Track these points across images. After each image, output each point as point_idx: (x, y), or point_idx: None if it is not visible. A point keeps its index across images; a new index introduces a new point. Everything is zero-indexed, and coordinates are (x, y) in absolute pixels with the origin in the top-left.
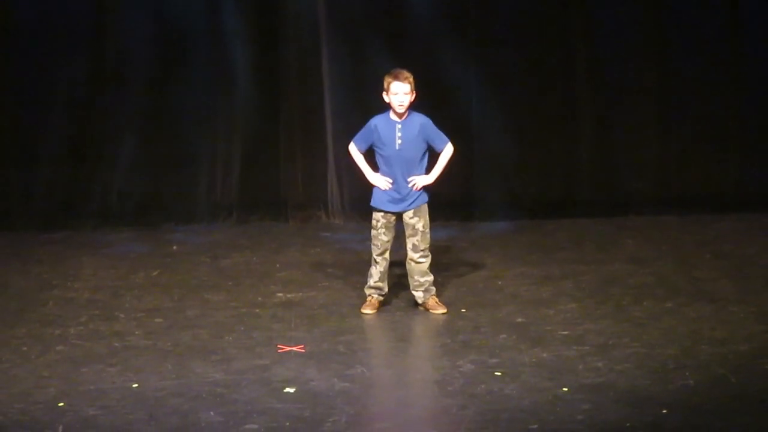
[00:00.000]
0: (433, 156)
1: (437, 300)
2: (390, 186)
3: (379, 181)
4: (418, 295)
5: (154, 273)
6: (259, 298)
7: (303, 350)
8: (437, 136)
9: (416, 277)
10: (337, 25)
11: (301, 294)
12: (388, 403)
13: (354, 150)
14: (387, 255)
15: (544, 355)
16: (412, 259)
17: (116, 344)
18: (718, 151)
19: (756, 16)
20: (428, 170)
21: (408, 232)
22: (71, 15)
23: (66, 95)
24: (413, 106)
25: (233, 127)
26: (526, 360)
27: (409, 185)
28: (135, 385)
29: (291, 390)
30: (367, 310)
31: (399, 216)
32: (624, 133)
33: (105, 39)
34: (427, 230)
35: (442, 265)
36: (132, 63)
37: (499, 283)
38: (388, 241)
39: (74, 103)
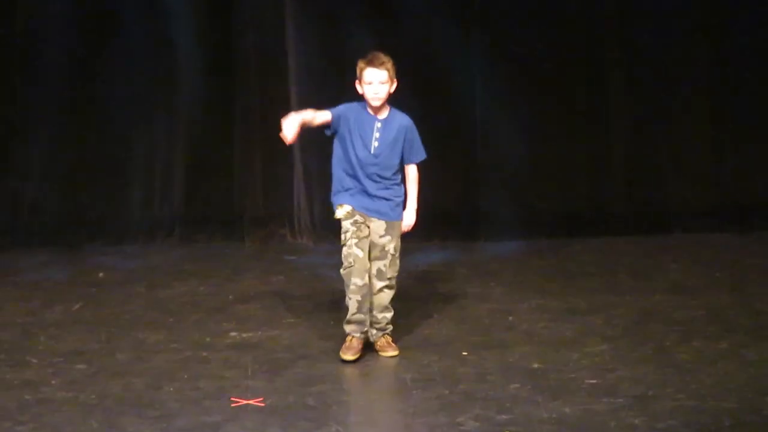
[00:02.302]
0: None
1: (390, 340)
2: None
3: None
4: (371, 332)
5: (76, 306)
6: (208, 339)
7: (262, 404)
8: (417, 146)
9: (375, 312)
10: (305, 0)
11: (260, 333)
12: None
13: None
14: (365, 278)
15: (567, 409)
16: (373, 288)
17: (27, 397)
18: None
19: None
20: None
21: (374, 253)
22: None
23: None
24: (396, 103)
25: (176, 126)
26: (544, 416)
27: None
28: None
29: None
30: (347, 356)
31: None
32: (666, 133)
33: (12, 15)
34: (398, 255)
35: (438, 295)
36: (47, 45)
37: (510, 318)
38: (363, 258)
39: None
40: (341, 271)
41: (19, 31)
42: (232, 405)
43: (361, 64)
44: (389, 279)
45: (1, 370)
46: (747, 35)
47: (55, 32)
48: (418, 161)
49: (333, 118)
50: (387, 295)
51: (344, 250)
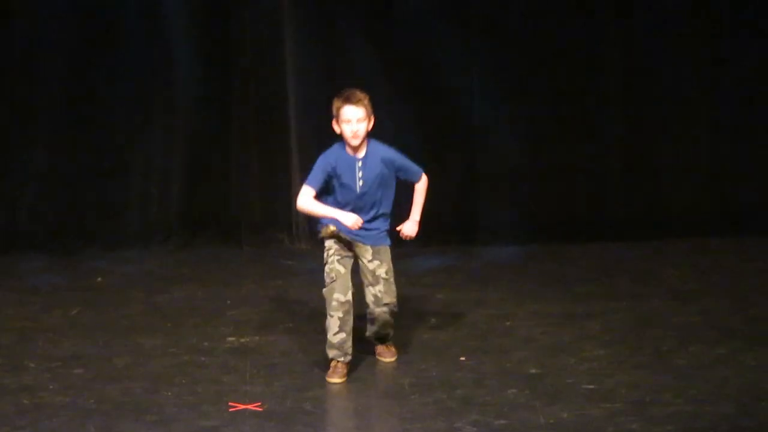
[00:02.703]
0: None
1: (389, 345)
2: (361, 224)
3: (348, 217)
4: (375, 341)
5: (74, 311)
6: (205, 344)
7: (260, 409)
8: (409, 167)
9: (376, 327)
10: (303, 3)
11: (257, 338)
12: None
13: (307, 198)
14: (348, 295)
15: (564, 414)
16: (372, 314)
17: (25, 401)
18: None
19: None
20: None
21: (367, 279)
22: None
23: None
24: (394, 108)
25: (174, 131)
26: (541, 421)
27: (400, 235)
28: None
29: None
30: (334, 379)
31: (355, 257)
32: (665, 137)
33: (10, 17)
34: (392, 279)
35: (435, 301)
36: (45, 47)
37: (508, 324)
38: (345, 274)
39: None
40: (323, 291)
41: (17, 34)
42: (230, 410)
43: (337, 102)
44: (387, 305)
45: None
46: (746, 38)
47: (53, 36)
48: (420, 176)
49: (322, 185)
50: (388, 318)
51: (326, 267)
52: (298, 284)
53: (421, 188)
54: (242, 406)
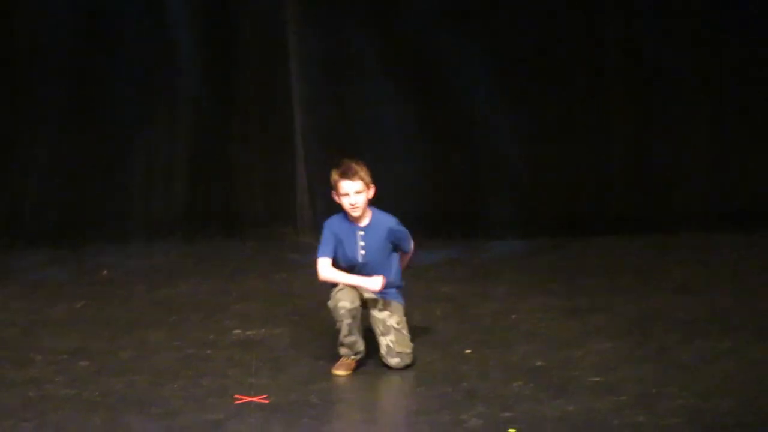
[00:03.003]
0: None
1: None
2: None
3: (373, 282)
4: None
5: (78, 305)
6: (210, 337)
7: (266, 401)
8: (406, 238)
9: (389, 359)
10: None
11: (263, 331)
12: None
13: (325, 267)
14: (355, 302)
15: (570, 407)
16: (388, 363)
17: (31, 394)
18: None
19: None
20: None
21: (378, 329)
22: None
23: None
24: (400, 103)
25: (177, 124)
26: (547, 413)
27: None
28: None
29: None
30: (339, 371)
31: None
32: (669, 131)
33: (14, 14)
34: (405, 330)
35: (440, 294)
36: (48, 43)
37: (513, 317)
38: (351, 289)
39: None
40: (328, 303)
41: (21, 31)
42: (236, 402)
43: (334, 176)
44: (399, 354)
45: (4, 368)
46: (751, 36)
47: (56, 32)
48: (411, 245)
49: (334, 251)
50: (402, 368)
51: (330, 303)
52: (302, 277)
53: (406, 256)
54: (248, 399)
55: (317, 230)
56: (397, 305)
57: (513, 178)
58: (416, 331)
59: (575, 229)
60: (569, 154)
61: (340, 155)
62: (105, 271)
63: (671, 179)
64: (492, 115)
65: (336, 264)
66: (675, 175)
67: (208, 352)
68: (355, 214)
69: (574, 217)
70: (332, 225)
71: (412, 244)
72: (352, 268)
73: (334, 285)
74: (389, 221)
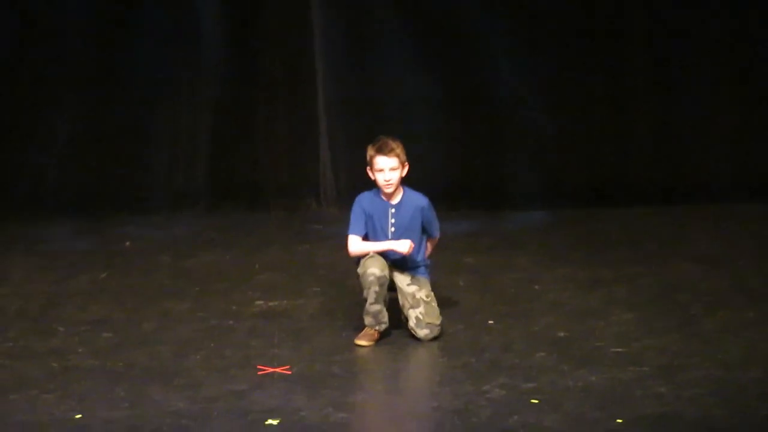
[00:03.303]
0: None
1: None
2: (412, 246)
3: (401, 244)
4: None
5: (102, 276)
6: (234, 308)
7: (289, 372)
8: (435, 222)
9: (418, 331)
10: None
11: (286, 302)
12: None
13: (355, 243)
14: (384, 271)
15: (593, 378)
16: (417, 336)
17: (54, 365)
18: None
19: None
20: None
21: (408, 303)
22: None
23: None
24: (423, 74)
25: (200, 94)
26: (570, 384)
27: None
28: (78, 416)
29: (274, 422)
30: (362, 341)
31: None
32: (693, 100)
33: None
34: (434, 303)
35: (464, 265)
36: (69, 12)
37: (536, 288)
38: (380, 258)
39: None
40: (357, 270)
41: (41, 4)
42: (258, 373)
43: (370, 151)
44: (428, 324)
45: (27, 339)
46: None
47: (77, 3)
48: (437, 234)
49: (364, 229)
50: (431, 339)
51: (359, 269)
52: (326, 248)
53: (433, 242)
54: (270, 370)
55: (341, 201)
56: (425, 280)
57: (537, 148)
58: (440, 302)
59: (599, 200)
60: (593, 124)
61: (363, 127)
62: (128, 242)
63: (695, 149)
64: (516, 86)
65: (366, 240)
66: (699, 145)
67: (231, 323)
68: (388, 190)
69: (598, 187)
70: (363, 201)
71: (438, 232)
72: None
73: (364, 258)
74: (421, 200)
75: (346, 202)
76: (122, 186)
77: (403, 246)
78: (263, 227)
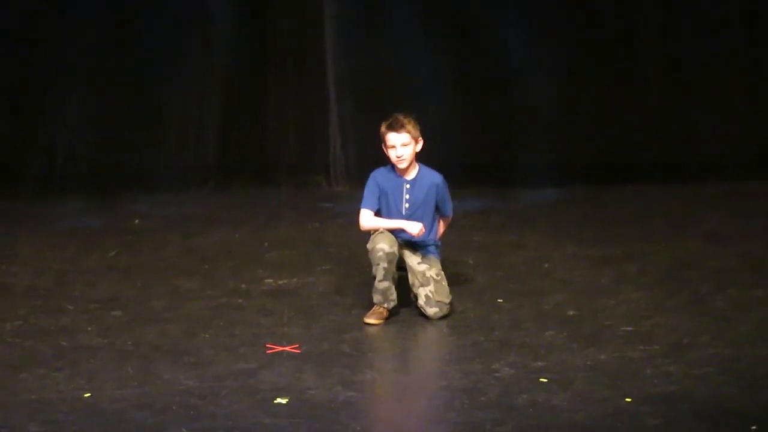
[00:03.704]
0: None
1: None
2: (422, 230)
3: (413, 225)
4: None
5: (111, 254)
6: (243, 286)
7: (298, 351)
8: (448, 201)
9: (428, 309)
10: None
11: (295, 280)
12: (404, 418)
13: (367, 217)
14: (393, 247)
15: (602, 356)
16: (427, 314)
17: (63, 343)
18: None
19: None
20: None
21: (417, 281)
22: None
23: None
24: (433, 54)
25: (211, 73)
26: (579, 363)
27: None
28: (87, 395)
29: (283, 401)
30: (370, 320)
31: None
32: (702, 78)
33: None
34: (442, 280)
35: (473, 243)
36: None
37: (546, 266)
38: (390, 234)
39: (8, 40)
40: (367, 245)
41: None
42: (268, 352)
43: (382, 128)
44: (438, 302)
45: (37, 317)
46: None
47: None
48: (450, 213)
49: (376, 204)
50: (440, 318)
51: (368, 245)
52: (335, 226)
53: (445, 221)
54: (280, 349)
55: (350, 179)
56: (435, 259)
57: (547, 126)
58: (449, 281)
59: (609, 177)
60: (603, 102)
61: (373, 105)
62: (138, 221)
63: (705, 127)
64: (526, 64)
65: (379, 216)
66: (709, 122)
67: (241, 301)
68: (401, 166)
69: (608, 165)
70: (377, 176)
71: (451, 212)
72: (396, 215)
73: (373, 233)
74: (436, 177)
75: (355, 180)
76: (132, 164)
77: (414, 227)
78: (273, 205)
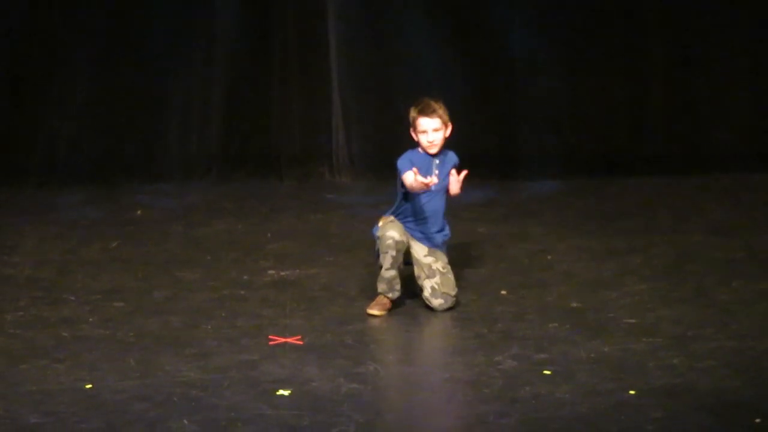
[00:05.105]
0: None
1: None
2: (431, 182)
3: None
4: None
5: (113, 245)
6: (245, 277)
7: (300, 342)
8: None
9: (433, 300)
10: None
11: (298, 272)
12: (407, 410)
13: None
14: (404, 238)
15: (606, 349)
16: (431, 306)
17: (65, 334)
18: None
19: None
20: None
21: (423, 273)
22: None
23: None
24: (437, 43)
25: (214, 63)
26: (582, 355)
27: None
28: (88, 386)
29: (285, 392)
30: (374, 311)
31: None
32: (707, 69)
33: None
34: (450, 274)
35: (477, 234)
36: None
37: (549, 258)
38: (399, 224)
39: (8, 26)
40: (377, 233)
41: None
42: (270, 343)
43: (413, 113)
44: (443, 295)
45: (38, 308)
46: None
47: None
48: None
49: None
50: (445, 310)
51: (378, 232)
52: (338, 218)
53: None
54: (282, 340)
55: (353, 170)
56: (442, 254)
57: (551, 118)
58: (452, 272)
59: (612, 169)
60: (607, 94)
61: (377, 96)
62: (140, 211)
63: (709, 119)
64: (530, 55)
65: (407, 194)
66: (713, 114)
67: (243, 292)
68: (432, 151)
69: (612, 157)
70: (408, 155)
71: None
72: (418, 206)
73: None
74: (455, 158)
75: (359, 172)
76: (135, 154)
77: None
78: (276, 196)
